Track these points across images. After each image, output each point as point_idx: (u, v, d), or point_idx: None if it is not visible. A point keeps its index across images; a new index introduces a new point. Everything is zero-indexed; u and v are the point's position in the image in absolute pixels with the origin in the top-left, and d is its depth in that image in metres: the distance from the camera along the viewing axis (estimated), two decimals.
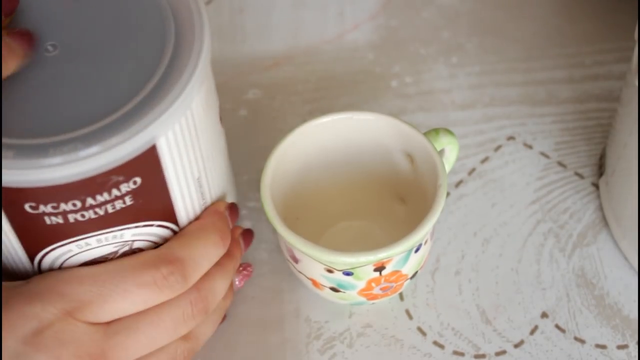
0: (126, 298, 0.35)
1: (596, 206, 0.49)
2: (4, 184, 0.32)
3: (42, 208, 0.33)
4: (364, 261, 0.39)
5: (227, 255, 0.40)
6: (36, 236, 0.35)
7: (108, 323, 0.36)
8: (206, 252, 0.38)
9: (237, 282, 0.42)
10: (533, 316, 0.45)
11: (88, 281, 0.35)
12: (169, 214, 0.37)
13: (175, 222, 0.38)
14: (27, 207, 0.33)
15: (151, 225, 0.37)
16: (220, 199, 0.41)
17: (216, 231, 0.39)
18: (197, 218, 0.39)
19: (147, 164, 0.34)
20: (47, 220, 0.34)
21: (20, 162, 0.32)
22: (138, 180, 0.34)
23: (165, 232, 0.38)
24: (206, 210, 0.40)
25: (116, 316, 0.36)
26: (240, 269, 0.42)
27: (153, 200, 0.36)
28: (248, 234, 0.43)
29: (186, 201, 0.37)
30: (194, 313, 0.37)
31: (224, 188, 0.41)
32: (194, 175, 0.37)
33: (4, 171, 0.32)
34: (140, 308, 0.36)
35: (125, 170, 0.33)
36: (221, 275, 0.39)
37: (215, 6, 0.60)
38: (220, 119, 0.40)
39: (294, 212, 0.44)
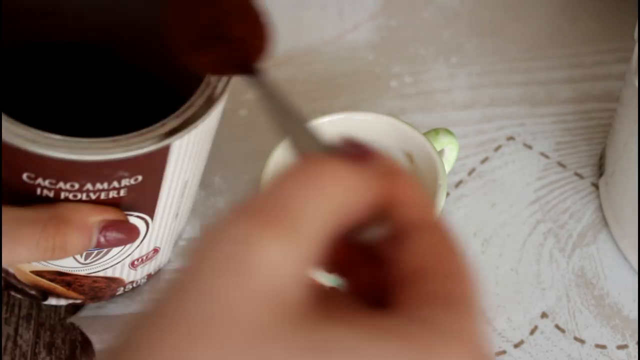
0: None
1: (596, 206, 0.49)
2: (17, 143, 0.32)
3: (39, 181, 0.33)
4: None
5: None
6: (22, 205, 0.35)
7: None
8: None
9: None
10: (533, 316, 0.45)
11: None
12: (149, 208, 0.38)
13: (152, 215, 0.38)
14: (24, 176, 0.33)
15: (130, 215, 0.37)
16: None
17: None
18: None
19: (155, 164, 0.34)
20: (39, 191, 0.34)
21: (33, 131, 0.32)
22: (140, 177, 0.34)
23: (138, 222, 0.38)
24: None
25: None
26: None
27: (143, 196, 0.36)
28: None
29: (168, 199, 0.38)
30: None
31: (197, 189, 0.42)
32: (185, 178, 0.37)
33: (18, 130, 0.32)
34: None
35: (133, 167, 0.34)
36: None
37: None
38: None
39: None
